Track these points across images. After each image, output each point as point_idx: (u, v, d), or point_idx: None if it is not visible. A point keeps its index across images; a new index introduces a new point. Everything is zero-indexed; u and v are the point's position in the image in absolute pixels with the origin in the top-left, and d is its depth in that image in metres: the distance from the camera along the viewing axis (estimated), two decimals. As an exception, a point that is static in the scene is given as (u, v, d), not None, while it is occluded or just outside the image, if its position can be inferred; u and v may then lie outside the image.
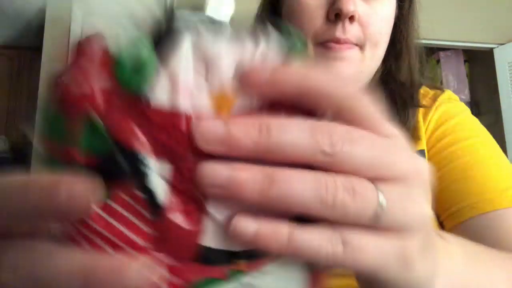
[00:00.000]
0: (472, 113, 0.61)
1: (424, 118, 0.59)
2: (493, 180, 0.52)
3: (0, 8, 2.65)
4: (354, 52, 0.53)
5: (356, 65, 0.53)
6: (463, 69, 3.41)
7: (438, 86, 0.66)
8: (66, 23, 2.48)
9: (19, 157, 3.12)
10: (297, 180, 0.18)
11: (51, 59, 2.42)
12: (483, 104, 3.37)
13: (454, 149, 0.55)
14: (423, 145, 0.57)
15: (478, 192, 0.51)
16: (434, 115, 0.59)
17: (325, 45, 0.52)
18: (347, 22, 0.51)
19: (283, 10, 0.58)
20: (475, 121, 0.60)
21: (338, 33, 0.51)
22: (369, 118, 0.20)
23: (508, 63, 2.90)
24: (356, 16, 0.51)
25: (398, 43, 0.60)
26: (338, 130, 0.18)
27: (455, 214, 0.52)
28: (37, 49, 2.85)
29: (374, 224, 0.19)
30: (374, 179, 0.19)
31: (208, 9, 0.28)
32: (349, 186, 0.18)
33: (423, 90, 0.63)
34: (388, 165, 0.19)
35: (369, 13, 0.53)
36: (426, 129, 0.58)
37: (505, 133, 2.86)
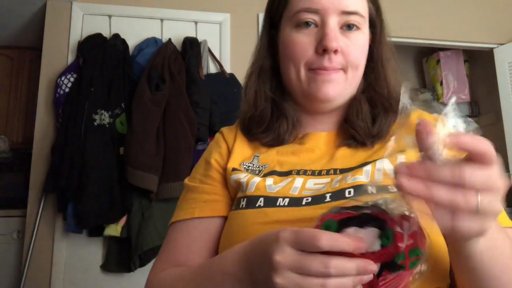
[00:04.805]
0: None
1: None
2: None
3: (0, 8, 2.65)
4: (339, 75, 0.69)
5: (341, 85, 0.69)
6: (463, 69, 3.41)
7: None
8: (66, 23, 2.48)
9: (19, 157, 3.12)
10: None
11: (51, 59, 2.43)
12: (483, 104, 3.37)
13: None
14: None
15: None
16: None
17: (316, 71, 0.68)
18: (332, 54, 0.67)
19: (279, 48, 0.73)
20: None
21: (326, 63, 0.67)
22: (494, 160, 0.39)
23: (508, 63, 2.90)
24: (339, 49, 0.67)
25: (374, 61, 0.75)
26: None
27: None
28: (37, 49, 2.86)
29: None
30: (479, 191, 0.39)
31: None
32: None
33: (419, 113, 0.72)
34: (490, 186, 0.39)
35: (348, 44, 0.68)
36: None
37: (505, 133, 2.85)
